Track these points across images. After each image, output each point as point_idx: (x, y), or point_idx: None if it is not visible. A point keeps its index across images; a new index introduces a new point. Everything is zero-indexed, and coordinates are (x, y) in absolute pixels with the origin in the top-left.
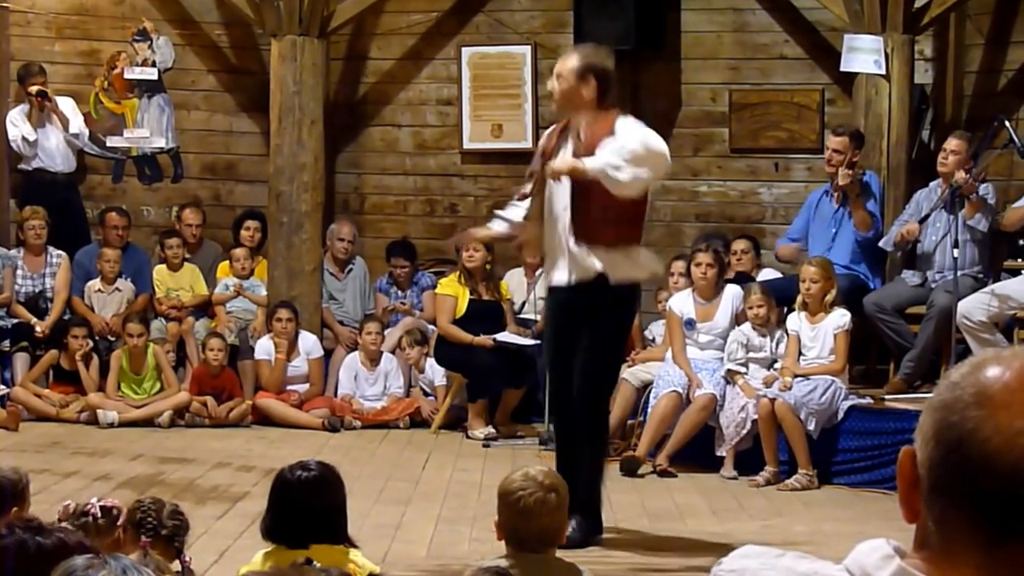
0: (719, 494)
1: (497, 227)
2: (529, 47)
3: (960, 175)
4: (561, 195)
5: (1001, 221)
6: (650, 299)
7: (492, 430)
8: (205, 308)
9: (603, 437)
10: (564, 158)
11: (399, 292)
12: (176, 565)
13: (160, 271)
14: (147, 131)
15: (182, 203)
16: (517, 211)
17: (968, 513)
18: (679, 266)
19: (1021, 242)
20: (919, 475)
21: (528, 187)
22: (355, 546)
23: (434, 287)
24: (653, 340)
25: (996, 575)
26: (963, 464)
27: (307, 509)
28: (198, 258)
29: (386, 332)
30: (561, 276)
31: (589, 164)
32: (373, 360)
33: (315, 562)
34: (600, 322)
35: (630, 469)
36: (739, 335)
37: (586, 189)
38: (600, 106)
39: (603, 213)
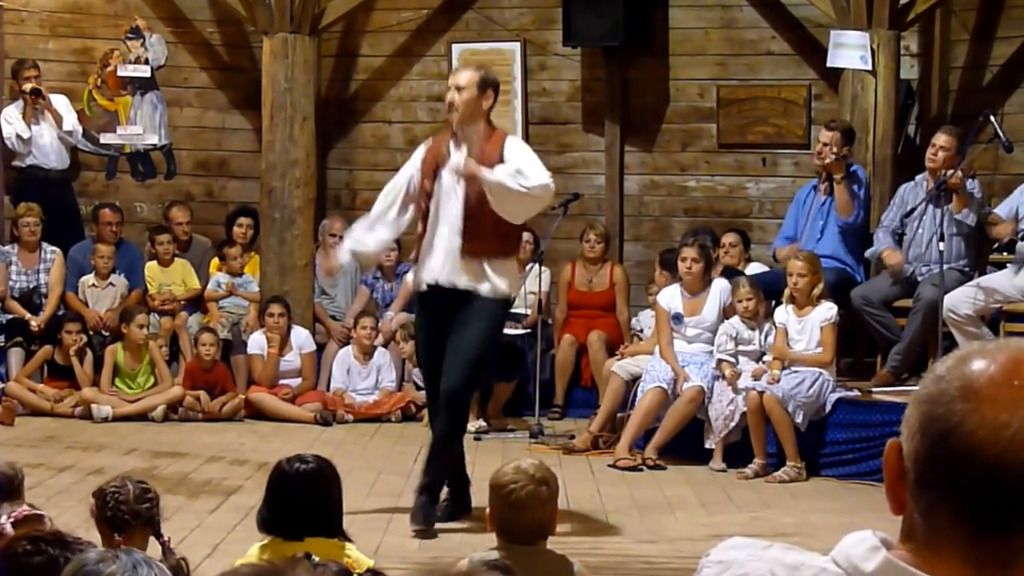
0: (708, 486)
1: (344, 258)
2: (518, 44)
3: (949, 172)
4: (453, 204)
5: (989, 227)
6: (639, 292)
7: (483, 423)
8: (198, 303)
9: (463, 427)
10: (470, 161)
11: (386, 284)
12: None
13: (151, 267)
14: (140, 128)
15: (170, 201)
16: (370, 235)
17: (954, 505)
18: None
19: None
20: (905, 467)
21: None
22: (350, 540)
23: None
24: (641, 331)
25: (981, 566)
26: (949, 457)
27: (304, 502)
28: (188, 254)
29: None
30: (448, 279)
31: (489, 176)
32: (367, 354)
33: (313, 556)
34: (476, 324)
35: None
36: (728, 328)
37: (480, 204)
38: (489, 120)
39: (494, 228)
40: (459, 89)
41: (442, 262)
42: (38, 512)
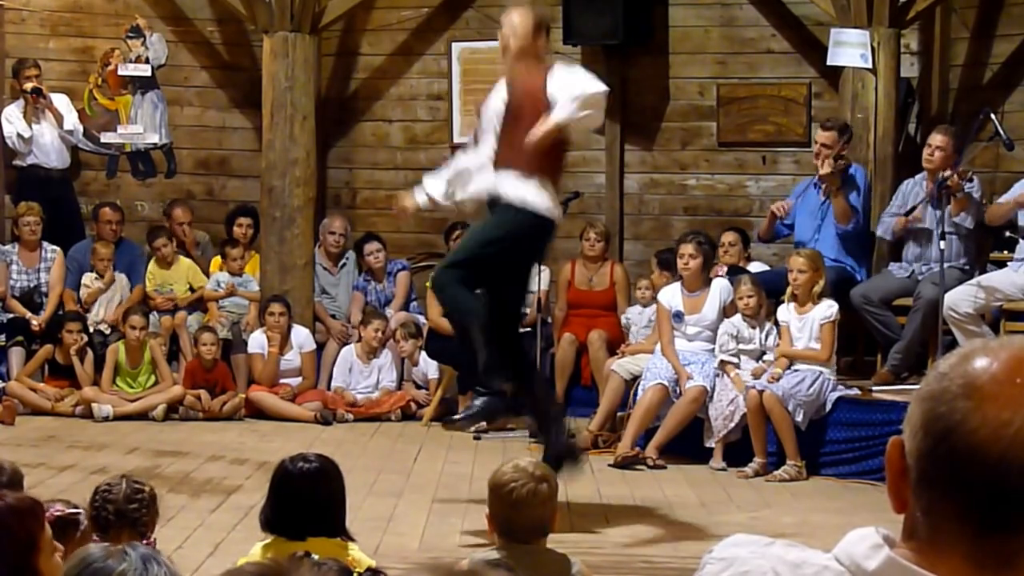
0: (708, 486)
1: (420, 198)
2: None
3: (948, 173)
4: (495, 121)
5: (986, 215)
6: None
7: (483, 423)
8: (198, 302)
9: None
10: (539, 128)
11: (378, 285)
12: None
13: (153, 266)
14: (141, 127)
15: (171, 201)
16: (438, 184)
17: (955, 503)
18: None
19: (1007, 234)
20: (907, 465)
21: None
22: (352, 539)
23: (406, 270)
24: (629, 329)
25: (982, 565)
26: (951, 455)
27: (307, 500)
28: (195, 252)
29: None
30: (481, 189)
31: (556, 118)
32: (370, 354)
33: (313, 555)
34: (494, 219)
35: (625, 465)
36: (729, 327)
37: (516, 118)
38: (540, 58)
39: (524, 144)
40: (513, 31)
41: (487, 176)
42: (73, 511)
